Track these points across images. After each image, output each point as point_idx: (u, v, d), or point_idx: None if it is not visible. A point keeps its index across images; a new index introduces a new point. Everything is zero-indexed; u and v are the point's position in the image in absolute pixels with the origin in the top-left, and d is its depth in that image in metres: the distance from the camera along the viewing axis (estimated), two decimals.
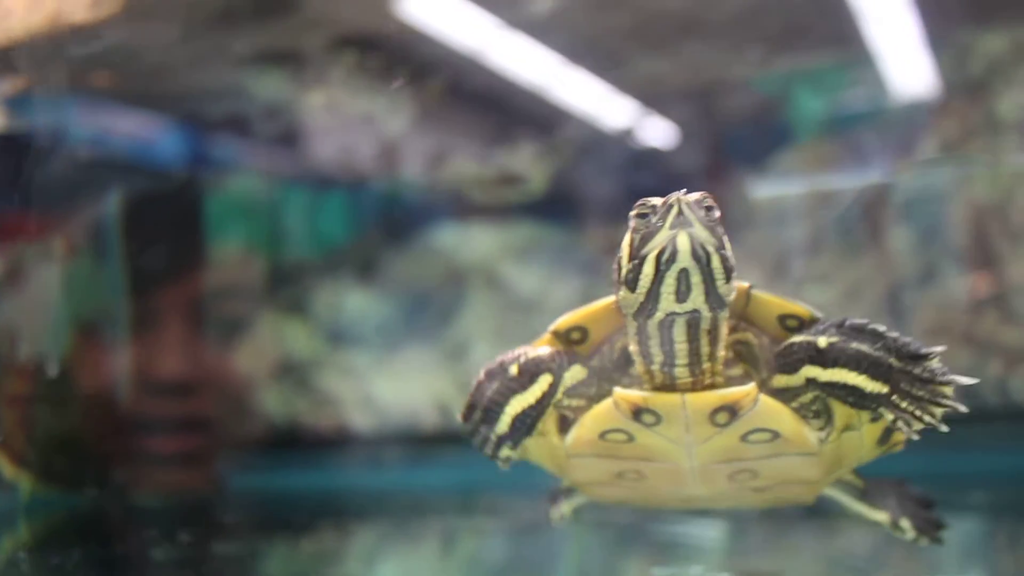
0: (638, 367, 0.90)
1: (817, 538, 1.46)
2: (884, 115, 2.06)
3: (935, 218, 1.94)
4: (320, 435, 2.27)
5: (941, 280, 1.94)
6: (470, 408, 0.95)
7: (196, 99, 2.00)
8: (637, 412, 0.88)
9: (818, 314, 0.91)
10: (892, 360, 0.84)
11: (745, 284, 0.92)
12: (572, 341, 0.96)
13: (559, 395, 0.94)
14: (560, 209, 2.25)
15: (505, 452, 0.95)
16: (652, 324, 0.85)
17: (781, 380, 0.90)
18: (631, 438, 0.91)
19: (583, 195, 2.23)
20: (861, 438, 0.92)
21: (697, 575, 1.28)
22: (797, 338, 0.89)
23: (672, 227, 0.80)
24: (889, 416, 0.85)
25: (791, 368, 0.89)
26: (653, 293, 0.82)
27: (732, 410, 0.87)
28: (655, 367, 0.88)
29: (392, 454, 2.19)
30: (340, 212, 2.38)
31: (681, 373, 0.87)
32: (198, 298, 2.23)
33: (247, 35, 1.52)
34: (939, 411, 0.84)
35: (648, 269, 0.81)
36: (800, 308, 0.92)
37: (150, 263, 2.09)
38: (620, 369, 0.95)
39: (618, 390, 0.89)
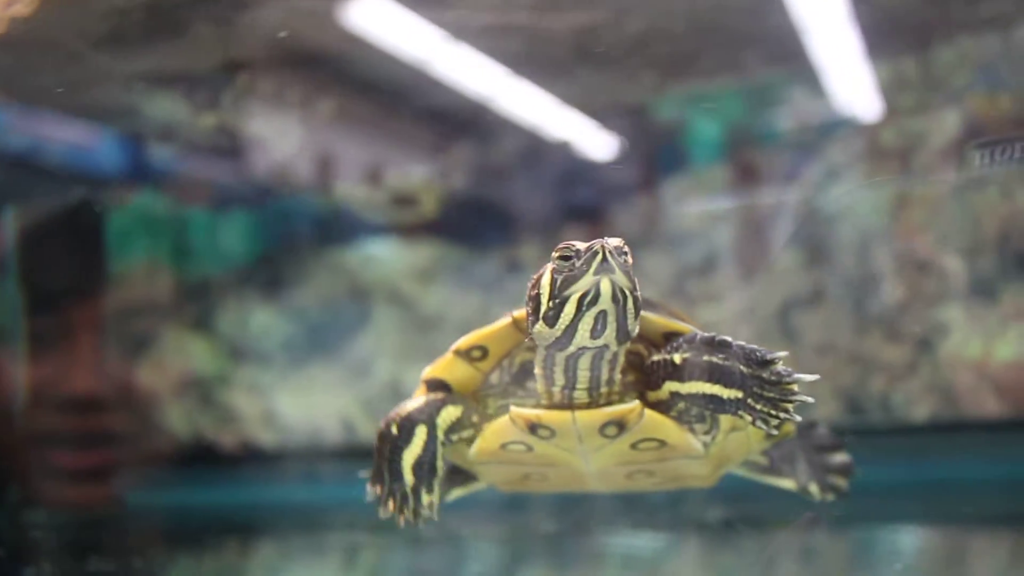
0: (539, 386, 0.96)
1: (755, 551, 1.49)
2: (778, 140, 2.13)
3: (823, 240, 2.02)
4: (224, 451, 2.26)
5: (828, 300, 2.01)
6: (377, 474, 1.01)
7: (92, 116, 2.00)
8: (532, 427, 0.95)
9: (697, 331, 0.96)
10: (742, 367, 0.90)
11: None
12: (473, 359, 1.02)
13: (441, 437, 1.00)
14: (462, 229, 2.29)
15: (426, 499, 0.99)
16: (561, 355, 0.91)
17: (652, 395, 0.97)
18: (530, 448, 0.98)
19: (487, 216, 2.28)
20: (748, 436, 0.99)
21: None
22: (656, 356, 0.96)
23: (596, 272, 0.85)
24: (748, 418, 0.91)
25: (656, 384, 0.96)
26: (570, 330, 0.88)
27: (620, 424, 0.93)
28: (556, 388, 0.94)
29: (296, 470, 2.19)
30: (245, 229, 2.38)
31: (580, 395, 0.94)
32: (101, 314, 2.20)
33: (138, 57, 1.54)
34: (790, 406, 0.90)
35: (570, 309, 0.87)
36: (680, 326, 0.98)
37: (51, 279, 2.07)
38: (518, 382, 1.01)
39: (514, 408, 0.96)
